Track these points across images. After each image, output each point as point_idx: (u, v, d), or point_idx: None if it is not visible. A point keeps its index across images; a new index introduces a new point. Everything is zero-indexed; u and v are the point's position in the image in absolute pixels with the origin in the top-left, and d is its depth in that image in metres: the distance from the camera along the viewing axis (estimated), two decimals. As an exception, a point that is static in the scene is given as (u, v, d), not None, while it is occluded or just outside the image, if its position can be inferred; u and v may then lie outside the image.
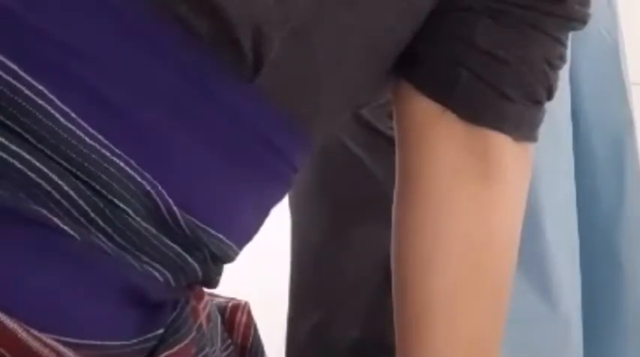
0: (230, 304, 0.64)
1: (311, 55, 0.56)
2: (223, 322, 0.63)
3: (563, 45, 0.65)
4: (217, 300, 0.64)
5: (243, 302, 0.65)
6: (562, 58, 0.65)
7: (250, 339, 0.64)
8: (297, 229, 1.25)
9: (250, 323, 0.64)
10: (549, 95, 0.65)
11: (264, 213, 0.60)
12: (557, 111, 1.27)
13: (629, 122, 1.39)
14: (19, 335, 0.47)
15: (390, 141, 0.69)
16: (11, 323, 0.47)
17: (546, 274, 1.28)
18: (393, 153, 0.68)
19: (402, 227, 0.66)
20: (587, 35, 1.30)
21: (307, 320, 1.22)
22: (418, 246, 0.65)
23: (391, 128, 0.68)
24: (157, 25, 0.52)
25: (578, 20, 0.64)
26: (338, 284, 1.21)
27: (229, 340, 0.62)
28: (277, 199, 0.61)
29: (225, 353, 0.61)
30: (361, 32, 0.58)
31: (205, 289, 0.61)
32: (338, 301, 1.21)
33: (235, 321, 0.64)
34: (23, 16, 0.50)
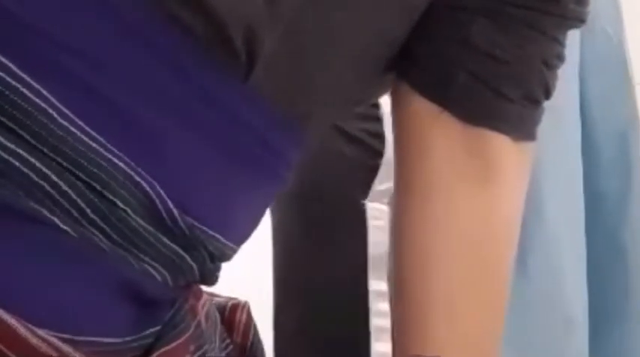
0: (230, 304, 0.64)
1: (303, 55, 0.57)
2: (223, 321, 0.63)
3: (561, 44, 0.65)
4: (217, 300, 0.64)
5: (243, 302, 0.65)
6: (560, 58, 0.65)
7: (250, 338, 0.64)
8: (280, 229, 1.26)
9: (250, 323, 0.64)
10: (547, 95, 0.65)
11: (261, 211, 0.61)
12: (565, 110, 1.26)
13: (635, 119, 1.38)
14: (18, 331, 0.47)
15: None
16: (10, 319, 0.47)
17: (550, 273, 1.28)
18: None
19: (401, 226, 0.66)
20: (594, 33, 1.30)
21: (293, 313, 1.23)
22: (417, 245, 0.65)
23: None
24: (157, 26, 0.52)
25: (575, 19, 0.64)
26: (320, 283, 1.22)
27: (228, 340, 0.62)
28: (273, 198, 0.61)
29: (224, 352, 0.61)
30: (353, 32, 0.58)
31: (204, 288, 0.61)
32: (322, 300, 1.22)
33: (235, 320, 0.64)
34: (23, 16, 0.50)
